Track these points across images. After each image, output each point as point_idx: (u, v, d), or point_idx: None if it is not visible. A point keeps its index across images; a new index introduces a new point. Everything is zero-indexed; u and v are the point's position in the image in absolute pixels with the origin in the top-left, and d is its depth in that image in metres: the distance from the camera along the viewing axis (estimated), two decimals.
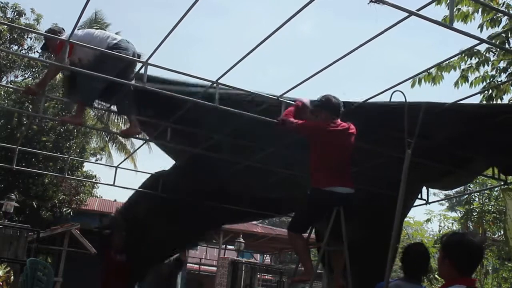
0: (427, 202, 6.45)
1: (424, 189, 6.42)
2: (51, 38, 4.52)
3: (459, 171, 5.65)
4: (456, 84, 6.45)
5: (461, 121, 4.25)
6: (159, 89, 4.19)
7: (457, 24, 6.20)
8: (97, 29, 23.45)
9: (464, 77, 6.52)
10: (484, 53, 6.42)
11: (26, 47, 14.70)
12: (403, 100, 3.41)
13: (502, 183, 5.88)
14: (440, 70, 6.56)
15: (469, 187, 10.99)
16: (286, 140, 5.25)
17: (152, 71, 4.13)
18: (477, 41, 3.12)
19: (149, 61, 3.98)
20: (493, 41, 5.64)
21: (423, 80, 6.33)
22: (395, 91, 3.18)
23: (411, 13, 2.80)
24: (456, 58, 6.47)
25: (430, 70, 6.64)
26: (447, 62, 6.64)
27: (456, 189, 10.70)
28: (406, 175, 3.19)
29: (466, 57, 6.58)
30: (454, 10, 6.25)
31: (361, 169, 5.65)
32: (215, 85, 4.16)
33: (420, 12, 2.85)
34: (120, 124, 15.54)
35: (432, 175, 5.82)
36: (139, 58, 4.70)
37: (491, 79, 6.51)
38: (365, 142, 4.97)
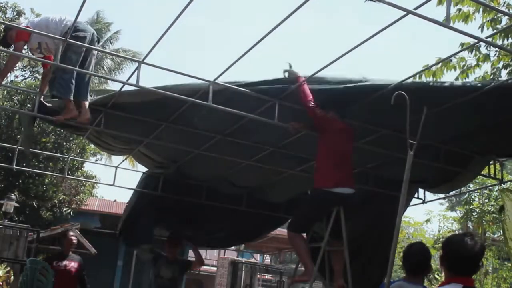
0: (424, 202, 6.46)
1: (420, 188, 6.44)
2: (46, 35, 4.48)
3: (457, 175, 5.65)
4: (456, 79, 6.45)
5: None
6: (155, 89, 4.18)
7: (458, 25, 6.20)
8: (98, 29, 23.31)
9: (464, 73, 6.51)
10: (486, 48, 6.40)
11: (26, 47, 14.68)
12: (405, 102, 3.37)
13: (498, 182, 5.92)
14: (441, 66, 6.56)
15: (469, 187, 10.99)
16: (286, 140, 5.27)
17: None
18: (475, 40, 3.10)
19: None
20: (492, 39, 5.64)
21: (424, 75, 6.31)
22: (397, 93, 3.16)
23: (408, 12, 2.80)
24: (456, 57, 6.47)
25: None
26: (447, 61, 6.64)
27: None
28: (408, 177, 3.18)
29: (467, 53, 6.56)
30: (455, 10, 6.26)
31: (363, 168, 5.68)
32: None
33: (419, 11, 2.85)
34: None
35: (429, 181, 5.85)
36: (98, 41, 4.71)
37: (492, 77, 6.51)
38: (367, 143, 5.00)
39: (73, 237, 6.55)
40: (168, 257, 6.37)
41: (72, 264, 6.35)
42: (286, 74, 4.27)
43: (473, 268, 2.50)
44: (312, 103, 4.19)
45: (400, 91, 3.13)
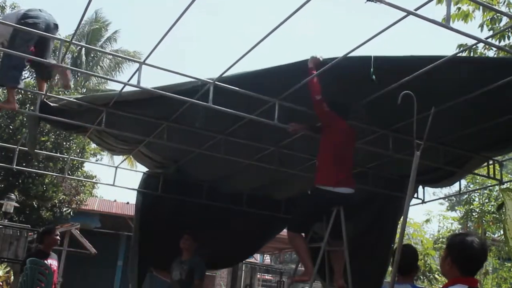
0: (423, 202, 6.46)
1: (420, 188, 6.43)
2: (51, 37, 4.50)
3: (456, 170, 5.66)
4: None
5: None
6: (155, 89, 4.18)
7: (458, 23, 6.21)
8: (97, 28, 23.11)
9: None
10: (483, 51, 6.41)
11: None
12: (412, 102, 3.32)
13: (498, 182, 5.93)
14: None
15: (469, 187, 10.99)
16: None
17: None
18: (475, 41, 3.10)
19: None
20: (492, 39, 5.64)
21: None
22: (404, 92, 3.15)
23: (408, 13, 2.80)
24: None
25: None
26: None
27: (456, 189, 10.70)
28: (414, 177, 3.18)
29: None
30: (455, 9, 6.26)
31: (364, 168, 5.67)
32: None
33: (419, 12, 2.85)
34: None
35: (430, 176, 5.85)
36: (56, 28, 4.57)
37: None
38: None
39: (57, 237, 6.24)
40: (181, 257, 6.00)
41: (54, 263, 6.17)
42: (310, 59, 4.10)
43: (479, 268, 2.55)
44: (320, 96, 4.13)
45: (407, 91, 3.10)
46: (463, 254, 2.48)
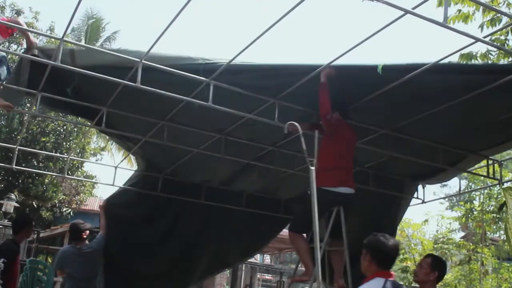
0: (423, 202, 6.44)
1: (420, 188, 6.41)
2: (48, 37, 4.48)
3: (449, 168, 5.65)
4: None
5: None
6: (153, 89, 4.16)
7: (458, 25, 6.20)
8: (94, 25, 22.93)
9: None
10: (484, 55, 6.41)
11: (25, 46, 14.67)
12: None
13: (497, 182, 5.93)
14: None
15: (470, 187, 10.95)
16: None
17: None
18: (473, 40, 3.09)
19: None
20: (492, 41, 5.63)
21: None
22: (289, 123, 3.21)
23: (406, 12, 2.79)
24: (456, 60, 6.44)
25: None
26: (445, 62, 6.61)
27: (456, 189, 10.68)
28: (315, 190, 3.34)
29: (466, 60, 6.55)
30: (455, 11, 6.25)
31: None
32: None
33: (416, 11, 2.85)
34: None
35: (426, 173, 5.86)
36: None
37: None
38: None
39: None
40: None
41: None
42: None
43: (393, 262, 3.05)
44: (330, 115, 4.16)
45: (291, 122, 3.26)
46: (380, 251, 2.93)
